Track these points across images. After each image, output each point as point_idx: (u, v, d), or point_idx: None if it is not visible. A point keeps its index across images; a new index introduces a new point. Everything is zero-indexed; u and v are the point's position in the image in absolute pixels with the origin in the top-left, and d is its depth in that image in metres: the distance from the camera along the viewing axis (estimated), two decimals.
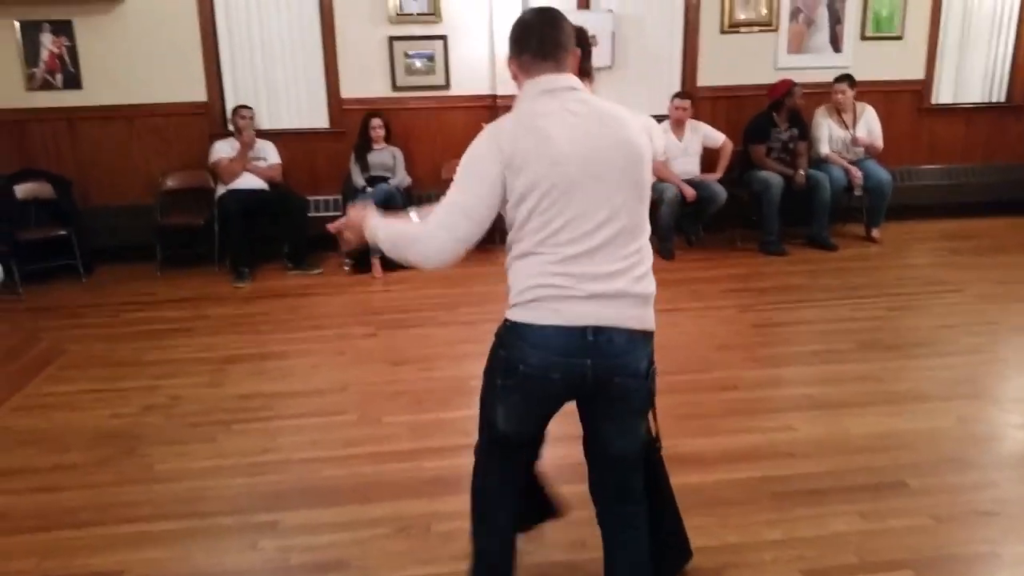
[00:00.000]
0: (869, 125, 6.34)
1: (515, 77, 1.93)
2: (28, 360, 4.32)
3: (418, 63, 6.29)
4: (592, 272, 1.79)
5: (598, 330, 1.79)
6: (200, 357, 4.26)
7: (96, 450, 3.26)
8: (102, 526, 2.72)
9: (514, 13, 5.93)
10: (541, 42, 1.86)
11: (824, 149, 6.30)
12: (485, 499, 2.09)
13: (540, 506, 2.37)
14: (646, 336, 1.88)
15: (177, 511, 2.79)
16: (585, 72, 2.12)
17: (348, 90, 6.29)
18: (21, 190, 5.85)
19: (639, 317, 1.85)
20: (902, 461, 2.99)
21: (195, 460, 3.16)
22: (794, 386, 3.76)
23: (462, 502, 2.72)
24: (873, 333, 4.33)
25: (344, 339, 4.50)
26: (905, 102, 6.84)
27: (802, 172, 6.11)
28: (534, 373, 1.82)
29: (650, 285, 1.89)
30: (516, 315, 1.84)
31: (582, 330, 1.79)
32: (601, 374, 1.82)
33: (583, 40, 2.12)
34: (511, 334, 1.85)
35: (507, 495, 2.08)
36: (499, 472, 2.07)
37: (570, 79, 1.88)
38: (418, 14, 6.20)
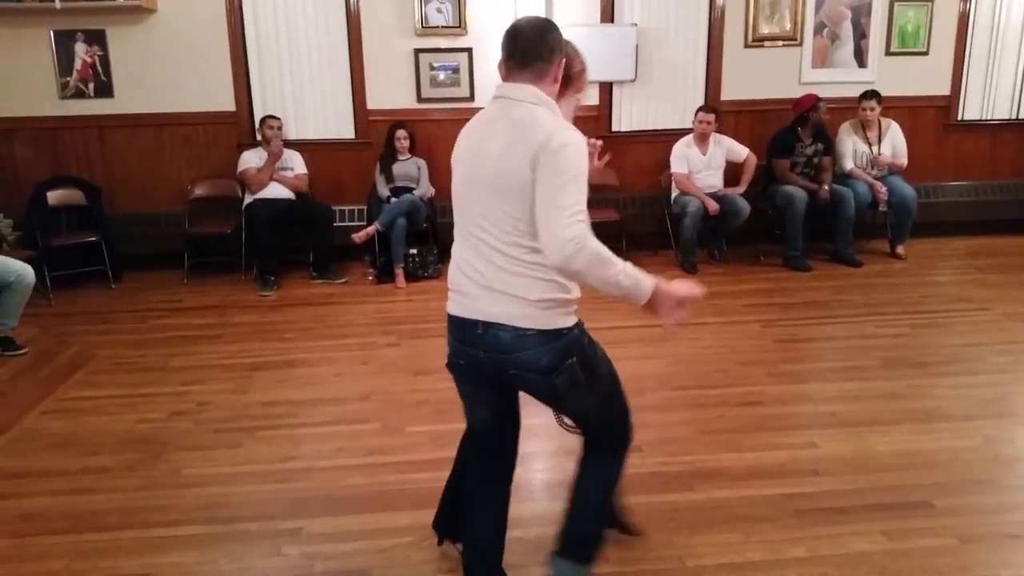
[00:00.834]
0: (894, 141, 6.31)
1: (503, 79, 2.05)
2: (58, 365, 4.39)
3: (443, 75, 6.35)
4: (481, 269, 1.96)
5: (487, 324, 1.96)
6: (226, 364, 4.32)
7: (124, 454, 3.32)
8: (130, 529, 2.76)
9: None
10: (522, 52, 1.97)
11: (849, 164, 6.28)
12: (469, 492, 2.26)
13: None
14: (542, 334, 1.94)
15: (203, 516, 2.83)
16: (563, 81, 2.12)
17: (374, 101, 6.36)
18: (53, 197, 5.96)
19: (528, 316, 1.93)
20: (927, 481, 2.97)
21: (221, 466, 3.20)
22: (818, 403, 3.75)
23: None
24: (898, 350, 4.31)
25: (367, 348, 4.53)
26: (930, 118, 6.80)
27: (826, 187, 6.09)
28: (451, 359, 2.08)
29: (538, 291, 1.92)
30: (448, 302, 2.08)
31: (474, 323, 1.98)
32: (496, 365, 1.99)
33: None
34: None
35: (483, 496, 2.24)
36: (477, 464, 2.25)
37: (514, 89, 1.97)
38: (443, 27, 6.26)
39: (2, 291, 4.50)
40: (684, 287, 1.95)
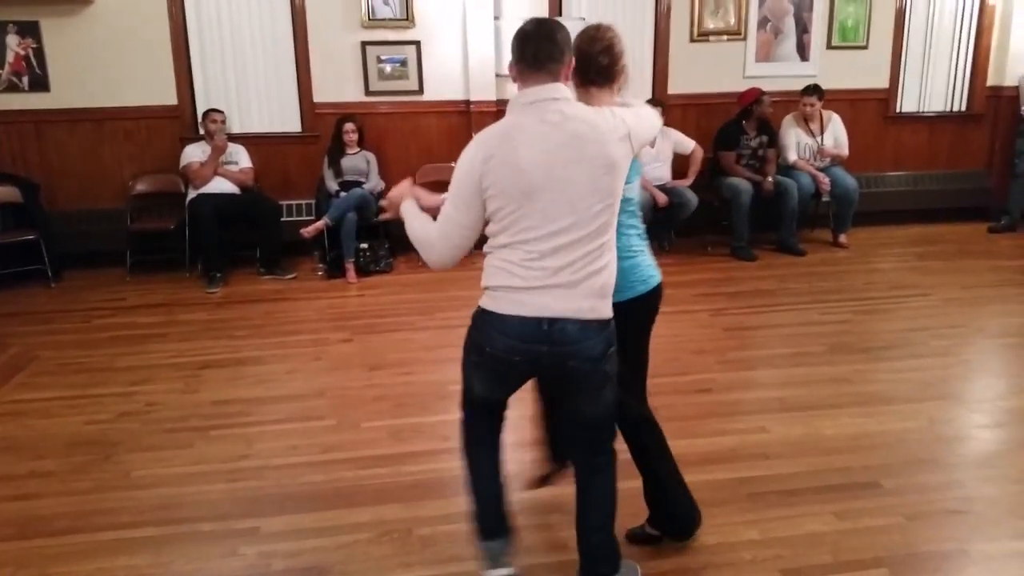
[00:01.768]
0: (835, 133, 6.47)
1: (514, 80, 2.10)
2: None
3: (390, 68, 6.30)
4: (551, 267, 1.99)
5: (552, 321, 2.01)
6: (175, 363, 4.23)
7: (72, 457, 3.23)
8: (80, 533, 2.69)
9: (487, 19, 6.02)
10: (535, 55, 2.02)
11: (792, 156, 6.41)
12: (471, 449, 2.32)
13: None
14: (600, 324, 2.06)
15: (156, 518, 2.77)
16: (591, 82, 2.28)
17: (321, 94, 6.28)
18: None
19: (591, 308, 2.03)
20: (874, 462, 3.05)
21: (173, 466, 3.13)
22: (767, 389, 3.83)
23: (443, 506, 2.78)
24: (842, 336, 4.42)
25: (320, 344, 4.48)
26: (871, 110, 6.99)
27: (771, 179, 6.21)
28: (498, 355, 2.07)
29: (605, 278, 2.05)
30: (486, 303, 2.08)
31: (538, 320, 2.01)
32: (556, 359, 2.05)
33: (583, 51, 2.25)
34: (482, 319, 2.09)
35: (489, 445, 2.32)
36: (479, 426, 2.31)
37: (555, 89, 2.03)
38: (391, 19, 6.21)
39: None
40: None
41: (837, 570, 2.42)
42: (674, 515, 2.54)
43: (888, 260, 6.08)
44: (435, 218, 2.13)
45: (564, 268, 1.99)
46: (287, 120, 6.36)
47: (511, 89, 2.15)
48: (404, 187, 2.32)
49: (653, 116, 2.23)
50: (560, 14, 6.36)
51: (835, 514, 2.70)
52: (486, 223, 2.07)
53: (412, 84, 6.32)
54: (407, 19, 6.20)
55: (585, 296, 2.02)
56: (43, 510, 2.84)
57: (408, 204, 2.25)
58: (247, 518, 2.75)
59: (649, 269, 2.40)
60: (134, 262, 5.94)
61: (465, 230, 2.06)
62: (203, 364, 4.20)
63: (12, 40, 5.88)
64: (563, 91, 2.04)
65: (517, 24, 2.13)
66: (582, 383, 2.11)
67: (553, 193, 1.96)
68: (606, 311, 2.06)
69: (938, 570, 2.44)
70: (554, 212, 1.97)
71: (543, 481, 2.80)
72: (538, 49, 2.02)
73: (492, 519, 2.32)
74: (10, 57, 5.90)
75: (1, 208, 5.84)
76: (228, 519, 2.75)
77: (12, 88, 5.93)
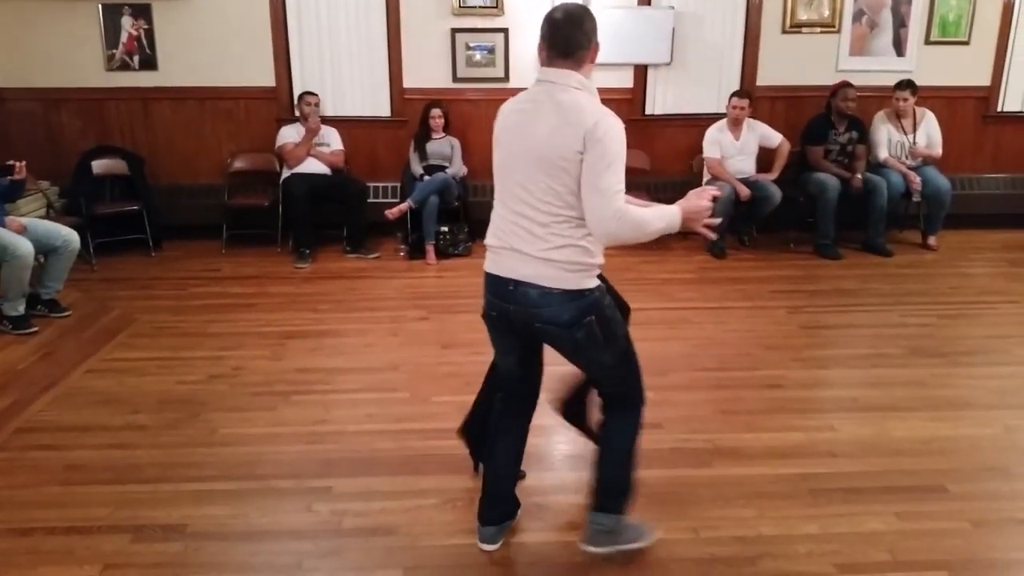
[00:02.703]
0: (929, 131, 6.26)
1: (540, 60, 2.23)
2: (101, 327, 4.56)
3: (479, 55, 6.41)
4: (518, 234, 2.17)
5: (517, 283, 2.19)
6: (262, 331, 4.46)
7: (164, 413, 3.46)
8: (168, 483, 2.90)
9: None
10: (560, 41, 2.14)
11: (883, 154, 6.25)
12: (491, 430, 2.53)
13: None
14: (565, 294, 2.16)
15: (237, 473, 2.96)
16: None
17: (410, 80, 6.44)
18: (98, 166, 6.14)
19: (552, 277, 2.15)
20: (943, 466, 3.01)
21: (255, 427, 3.33)
22: (839, 388, 3.79)
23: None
24: (922, 340, 4.32)
25: (398, 321, 4.64)
26: (969, 109, 6.73)
27: (860, 176, 6.06)
28: (485, 309, 2.31)
29: (566, 255, 2.15)
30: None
31: (507, 280, 2.21)
32: (523, 318, 2.22)
33: None
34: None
35: (506, 431, 2.50)
36: (504, 407, 2.49)
37: (556, 74, 2.15)
38: (481, 7, 6.31)
39: (48, 256, 4.68)
40: (697, 198, 2.24)
41: (894, 569, 2.42)
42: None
43: (978, 265, 5.86)
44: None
45: (528, 237, 2.15)
46: (377, 104, 6.54)
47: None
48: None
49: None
50: (649, 3, 6.34)
51: (897, 515, 2.68)
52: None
53: (498, 71, 6.42)
54: (496, 7, 6.29)
55: (545, 266, 2.15)
56: (136, 459, 3.07)
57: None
58: (321, 478, 2.91)
59: None
60: (229, 236, 6.24)
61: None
62: (288, 334, 4.41)
63: (126, 21, 6.23)
64: (576, 80, 2.14)
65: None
66: (556, 344, 2.28)
67: (519, 165, 2.16)
68: (573, 283, 2.15)
69: None
70: (521, 182, 2.16)
71: None
72: (563, 37, 2.13)
73: (496, 503, 2.51)
74: (124, 37, 6.25)
75: (109, 179, 6.22)
76: (304, 478, 2.92)
77: (124, 67, 6.28)
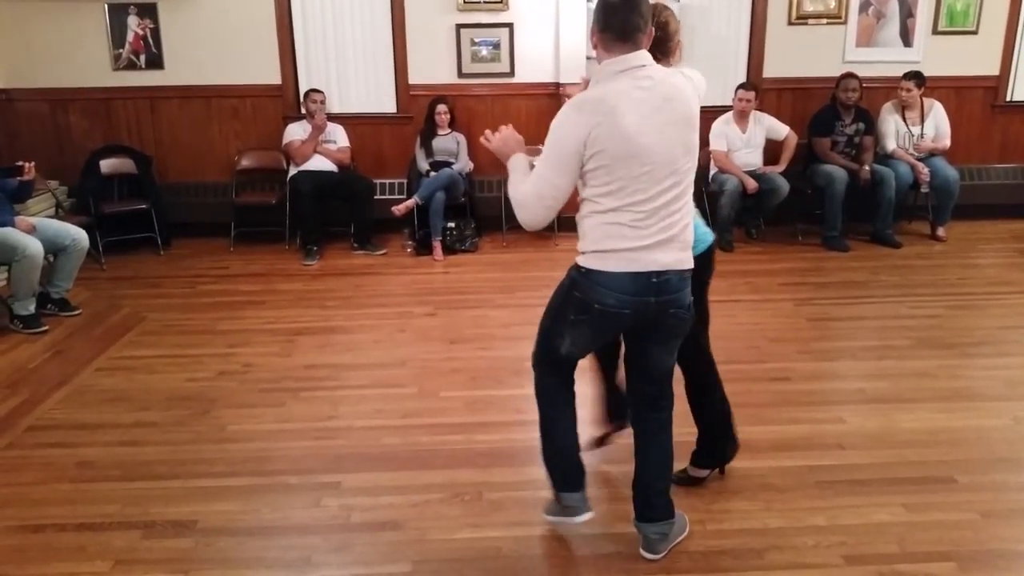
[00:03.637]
0: (937, 122, 6.23)
1: (595, 47, 2.20)
2: (110, 325, 4.59)
3: (484, 50, 6.40)
4: (656, 226, 2.14)
5: (659, 274, 2.16)
6: (270, 328, 4.48)
7: (173, 410, 3.49)
8: (178, 479, 2.92)
9: (580, 2, 6.04)
10: (622, 25, 2.11)
11: (891, 145, 6.22)
12: (553, 406, 2.45)
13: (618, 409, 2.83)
14: (689, 274, 2.24)
15: (247, 469, 2.98)
16: (663, 54, 2.40)
17: (415, 76, 6.44)
18: (105, 165, 6.17)
19: (687, 259, 2.23)
20: (951, 457, 3.00)
21: (265, 423, 3.36)
22: (847, 380, 3.78)
23: (512, 473, 2.89)
24: (931, 331, 4.31)
25: (405, 317, 4.66)
26: (977, 99, 6.68)
27: (867, 167, 6.04)
28: (608, 310, 2.19)
29: (690, 230, 2.25)
30: (592, 263, 2.19)
31: (648, 275, 2.15)
32: (661, 308, 2.20)
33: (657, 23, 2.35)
34: (588, 280, 2.20)
35: (568, 401, 2.45)
36: (559, 382, 2.43)
37: (641, 56, 2.14)
38: (485, 2, 6.30)
39: (58, 255, 4.70)
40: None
41: (902, 560, 2.41)
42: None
43: (987, 255, 5.84)
44: None
45: (667, 225, 2.15)
46: (383, 101, 6.55)
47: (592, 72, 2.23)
48: (511, 138, 2.35)
49: (701, 78, 2.42)
50: None
51: (905, 506, 2.68)
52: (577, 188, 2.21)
53: (504, 67, 6.41)
54: (501, 2, 6.29)
55: (682, 248, 2.20)
56: (146, 456, 3.10)
57: (519, 159, 2.31)
58: (330, 473, 2.93)
59: (703, 228, 2.56)
60: (237, 233, 6.26)
61: (559, 192, 2.15)
62: (296, 331, 4.43)
63: (132, 21, 6.25)
64: (648, 58, 2.15)
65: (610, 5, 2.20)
66: (674, 330, 2.29)
67: (657, 155, 2.09)
68: (692, 262, 2.24)
69: (1009, 569, 2.40)
70: (659, 174, 2.10)
71: (601, 441, 2.95)
72: (625, 20, 2.10)
73: (575, 472, 2.47)
74: (130, 37, 6.27)
75: (117, 178, 6.25)
76: (313, 473, 2.93)
77: (131, 66, 6.31)
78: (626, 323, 2.25)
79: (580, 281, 2.22)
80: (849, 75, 6.07)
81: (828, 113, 6.17)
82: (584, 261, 2.21)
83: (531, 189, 2.17)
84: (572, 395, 2.46)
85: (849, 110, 6.11)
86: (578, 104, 2.11)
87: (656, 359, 2.34)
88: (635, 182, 2.10)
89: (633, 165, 2.08)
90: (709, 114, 6.26)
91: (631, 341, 2.37)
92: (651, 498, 2.42)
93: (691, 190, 2.22)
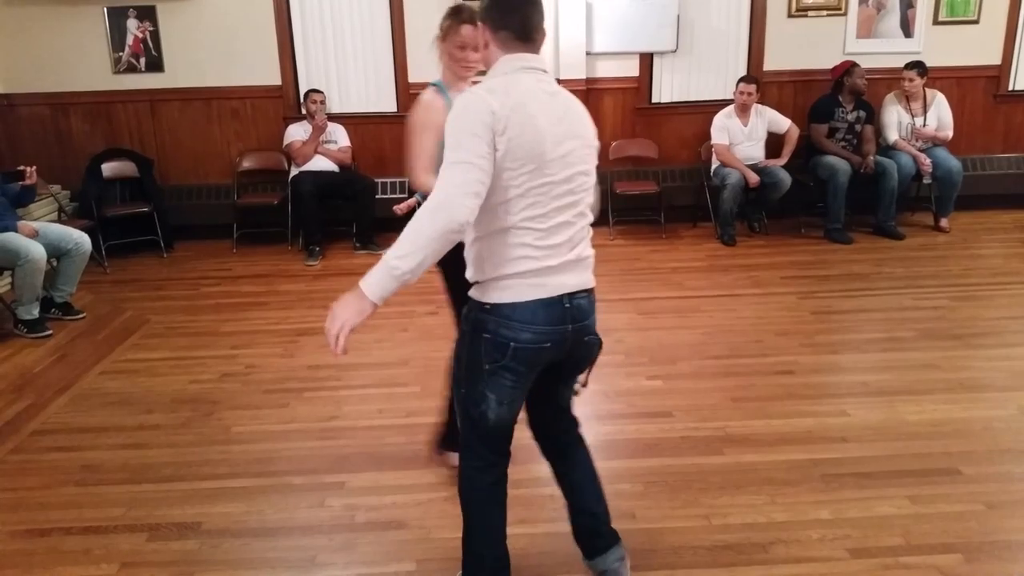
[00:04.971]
0: (939, 112, 6.21)
1: (485, 46, 1.96)
2: (114, 329, 4.60)
3: None
4: (562, 243, 1.89)
5: (571, 296, 1.92)
6: (274, 329, 4.49)
7: (177, 412, 3.49)
8: (183, 481, 2.93)
9: (578, 2, 6.03)
10: (523, 24, 1.90)
11: (893, 136, 6.20)
12: (480, 503, 2.09)
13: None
14: (594, 295, 2.01)
15: (251, 470, 2.99)
16: None
17: (416, 75, 6.43)
18: (107, 168, 6.19)
19: (590, 279, 1.99)
20: (956, 449, 2.99)
21: (268, 424, 3.36)
22: (850, 373, 3.78)
23: (516, 472, 2.82)
24: (935, 323, 4.30)
25: (407, 316, 4.65)
26: (979, 89, 6.66)
27: (870, 158, 6.02)
28: (527, 347, 1.89)
29: (591, 252, 2.00)
30: (494, 296, 1.89)
31: (560, 299, 1.90)
32: (578, 335, 1.95)
33: None
34: (495, 317, 1.88)
35: (501, 494, 2.11)
36: (491, 471, 2.07)
37: (544, 61, 1.96)
38: None
39: (61, 259, 4.71)
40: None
41: (907, 553, 2.41)
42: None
43: (991, 246, 5.82)
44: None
45: (570, 243, 1.90)
46: (383, 100, 6.55)
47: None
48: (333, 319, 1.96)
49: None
50: None
51: (910, 498, 2.67)
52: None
53: None
54: None
55: (586, 267, 1.97)
56: (150, 459, 3.10)
57: (350, 294, 1.98)
58: (334, 473, 2.93)
59: None
60: (240, 235, 6.27)
61: (483, 175, 1.76)
62: (300, 331, 4.44)
63: (132, 24, 6.26)
64: (547, 64, 1.96)
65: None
66: (586, 360, 2.04)
67: (558, 166, 1.85)
68: (593, 281, 2.00)
69: (1015, 560, 2.39)
70: (559, 188, 1.86)
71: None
72: (526, 18, 1.90)
73: None
74: (130, 40, 6.28)
75: (119, 182, 6.26)
76: (317, 473, 2.94)
77: (131, 69, 6.32)
78: (546, 358, 1.93)
79: (485, 320, 1.90)
80: (855, 64, 6.05)
81: (827, 100, 6.16)
82: (483, 295, 1.91)
83: (445, 182, 1.76)
84: (504, 494, 2.11)
85: (851, 98, 6.09)
86: (480, 90, 1.83)
87: (562, 393, 2.12)
88: (535, 193, 1.82)
89: (536, 173, 1.81)
90: (711, 108, 6.28)
91: (538, 379, 2.00)
92: (599, 526, 2.19)
93: (590, 214, 1.98)
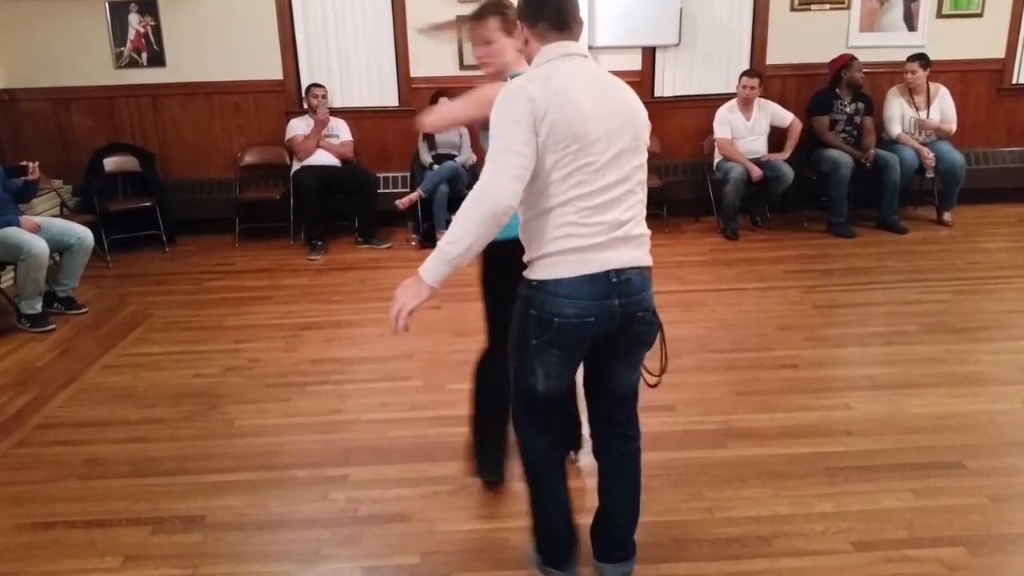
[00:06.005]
0: (943, 106, 6.19)
1: (526, 42, 2.02)
2: (117, 323, 4.60)
3: None
4: (610, 221, 1.93)
5: (619, 271, 1.95)
6: (277, 324, 4.49)
7: (181, 406, 3.50)
8: (186, 475, 2.93)
9: None
10: (559, 13, 1.96)
11: (896, 130, 6.18)
12: (542, 468, 2.19)
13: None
14: (650, 273, 2.05)
15: (254, 463, 2.99)
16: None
17: (417, 69, 6.42)
18: (109, 163, 6.17)
19: (646, 256, 2.03)
20: (960, 442, 2.99)
21: (272, 418, 3.36)
22: (854, 366, 3.77)
23: (518, 466, 2.87)
24: (939, 316, 4.29)
25: None
26: (983, 82, 6.63)
27: (872, 152, 6.01)
28: (572, 322, 1.95)
29: (646, 230, 2.04)
30: (541, 272, 1.97)
31: (606, 274, 1.93)
32: (627, 311, 1.98)
33: None
34: (541, 293, 1.96)
35: (559, 457, 2.22)
36: (545, 436, 2.16)
37: (583, 47, 2.00)
38: None
39: (63, 253, 4.72)
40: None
41: (911, 546, 2.40)
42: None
43: (995, 240, 5.80)
44: None
45: (618, 221, 1.94)
46: (385, 94, 6.53)
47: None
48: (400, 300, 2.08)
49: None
50: None
51: (913, 492, 2.67)
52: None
53: None
54: None
55: (639, 245, 2.00)
56: (154, 452, 3.11)
57: (411, 279, 2.08)
58: (338, 467, 2.94)
59: None
60: (242, 229, 6.27)
61: (525, 160, 1.85)
62: (302, 325, 4.44)
63: (133, 18, 6.25)
64: (587, 50, 2.01)
65: None
66: (642, 339, 2.07)
67: (608, 145, 1.90)
68: (650, 259, 2.04)
69: (1019, 553, 2.39)
70: (608, 165, 1.91)
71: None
72: (560, 7, 1.95)
73: (565, 548, 2.22)
74: (131, 35, 6.27)
75: (121, 176, 6.26)
76: (320, 467, 2.94)
77: (133, 63, 6.31)
78: (592, 333, 1.98)
79: (532, 296, 1.97)
80: (854, 57, 6.03)
81: (826, 92, 6.16)
82: (532, 273, 1.99)
83: (490, 168, 1.86)
84: (563, 460, 2.23)
85: (850, 91, 6.08)
86: (522, 81, 1.90)
87: (621, 377, 2.12)
88: (580, 172, 1.88)
89: (579, 153, 1.87)
90: (713, 102, 6.27)
91: (592, 359, 2.09)
92: (623, 538, 2.22)
93: (644, 189, 2.02)
